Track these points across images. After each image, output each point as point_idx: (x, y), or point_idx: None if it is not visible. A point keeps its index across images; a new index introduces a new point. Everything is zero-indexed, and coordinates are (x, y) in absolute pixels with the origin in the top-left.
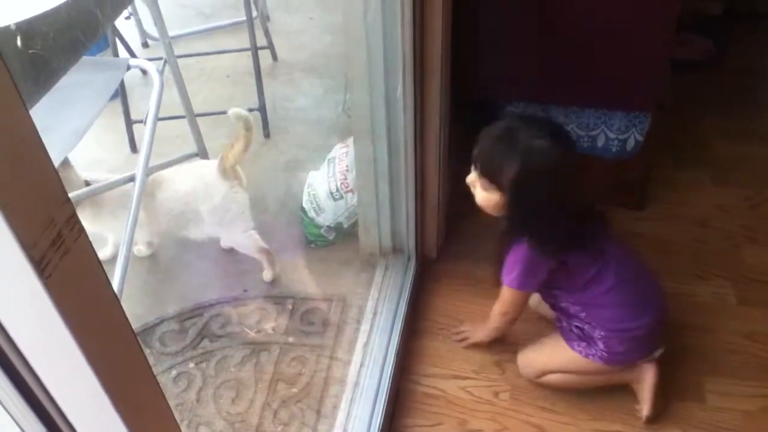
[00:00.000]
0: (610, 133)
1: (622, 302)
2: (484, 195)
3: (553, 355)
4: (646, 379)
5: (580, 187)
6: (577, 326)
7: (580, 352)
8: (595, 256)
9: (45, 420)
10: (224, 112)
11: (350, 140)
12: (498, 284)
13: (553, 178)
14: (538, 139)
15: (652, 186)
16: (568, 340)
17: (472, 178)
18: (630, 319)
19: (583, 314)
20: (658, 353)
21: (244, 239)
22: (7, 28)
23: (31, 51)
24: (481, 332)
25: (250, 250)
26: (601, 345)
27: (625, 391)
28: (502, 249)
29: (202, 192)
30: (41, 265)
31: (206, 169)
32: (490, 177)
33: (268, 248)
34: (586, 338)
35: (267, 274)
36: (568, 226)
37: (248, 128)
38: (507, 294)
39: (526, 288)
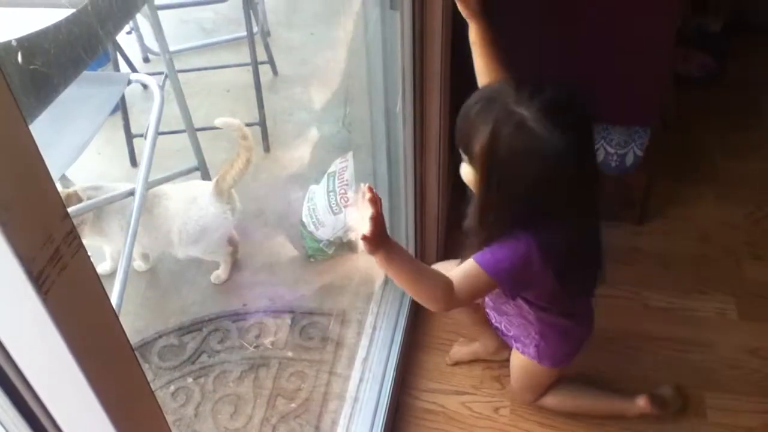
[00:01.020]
0: (609, 148)
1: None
2: (463, 166)
3: (514, 367)
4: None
5: (579, 187)
6: (512, 327)
7: (518, 348)
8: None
9: None
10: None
11: (350, 155)
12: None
13: (528, 162)
14: (522, 106)
15: (653, 201)
16: (505, 336)
17: None
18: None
19: (534, 324)
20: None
21: (218, 251)
22: (8, 44)
23: (31, 67)
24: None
25: (218, 258)
26: (532, 349)
27: None
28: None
29: (193, 214)
30: (39, 281)
31: (200, 192)
32: (462, 146)
33: (234, 248)
34: (521, 338)
35: (221, 275)
36: (566, 237)
37: (245, 137)
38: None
39: (501, 279)
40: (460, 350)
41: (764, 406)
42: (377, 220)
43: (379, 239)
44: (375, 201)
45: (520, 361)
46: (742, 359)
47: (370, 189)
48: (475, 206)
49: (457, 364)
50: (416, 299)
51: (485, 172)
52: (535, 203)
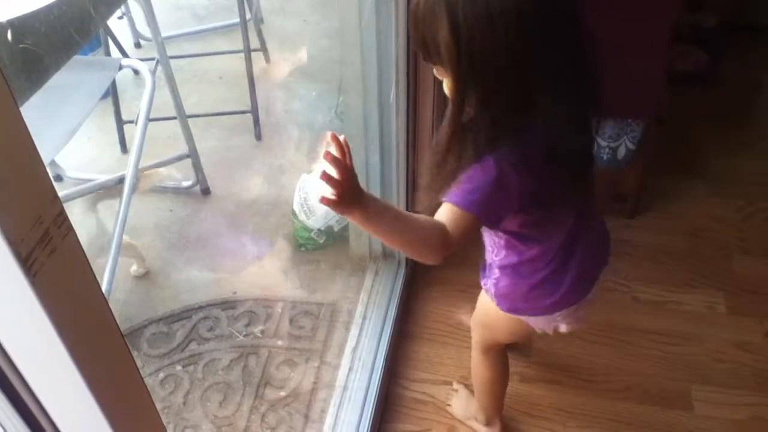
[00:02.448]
0: (602, 141)
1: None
2: (445, 82)
3: (478, 301)
4: None
5: (557, 50)
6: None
7: (484, 284)
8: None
9: (29, 421)
10: (216, 114)
11: None
12: None
13: (496, 25)
14: None
15: (644, 195)
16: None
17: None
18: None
19: (499, 253)
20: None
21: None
22: None
23: (21, 46)
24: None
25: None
26: (490, 283)
27: (614, 398)
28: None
29: None
30: (28, 263)
31: None
32: (426, 51)
33: (132, 242)
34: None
35: (138, 269)
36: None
37: None
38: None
39: (477, 212)
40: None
41: (751, 399)
42: (343, 176)
43: (348, 199)
44: (335, 157)
45: (482, 295)
46: (729, 353)
47: (334, 137)
48: (449, 108)
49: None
50: (409, 255)
51: (454, 62)
52: (511, 86)
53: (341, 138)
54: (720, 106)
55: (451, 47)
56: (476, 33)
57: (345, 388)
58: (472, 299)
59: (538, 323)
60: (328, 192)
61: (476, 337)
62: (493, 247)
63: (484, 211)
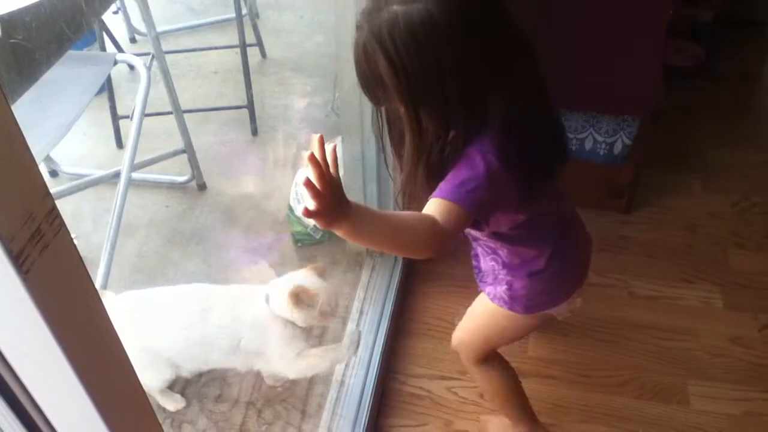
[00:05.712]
0: (598, 136)
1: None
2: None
3: (475, 311)
4: None
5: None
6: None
7: (489, 294)
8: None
9: (23, 417)
10: (212, 109)
11: (339, 139)
12: None
13: (426, 45)
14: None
15: (641, 190)
16: (478, 275)
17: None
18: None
19: (503, 259)
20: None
21: None
22: None
23: (12, 41)
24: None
25: None
26: (502, 288)
27: (610, 392)
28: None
29: None
30: (20, 260)
31: None
32: (372, 91)
33: None
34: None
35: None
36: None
37: None
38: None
39: (462, 201)
40: None
41: (745, 394)
42: (324, 187)
43: (332, 211)
44: (319, 167)
45: (485, 306)
46: (725, 348)
47: (320, 140)
48: (408, 132)
49: None
50: (402, 255)
51: (399, 88)
52: (457, 93)
53: (330, 147)
54: (715, 101)
55: (392, 75)
56: (407, 54)
57: (342, 383)
58: (469, 295)
59: (560, 310)
60: (311, 203)
61: (470, 353)
62: (490, 253)
63: (475, 204)
